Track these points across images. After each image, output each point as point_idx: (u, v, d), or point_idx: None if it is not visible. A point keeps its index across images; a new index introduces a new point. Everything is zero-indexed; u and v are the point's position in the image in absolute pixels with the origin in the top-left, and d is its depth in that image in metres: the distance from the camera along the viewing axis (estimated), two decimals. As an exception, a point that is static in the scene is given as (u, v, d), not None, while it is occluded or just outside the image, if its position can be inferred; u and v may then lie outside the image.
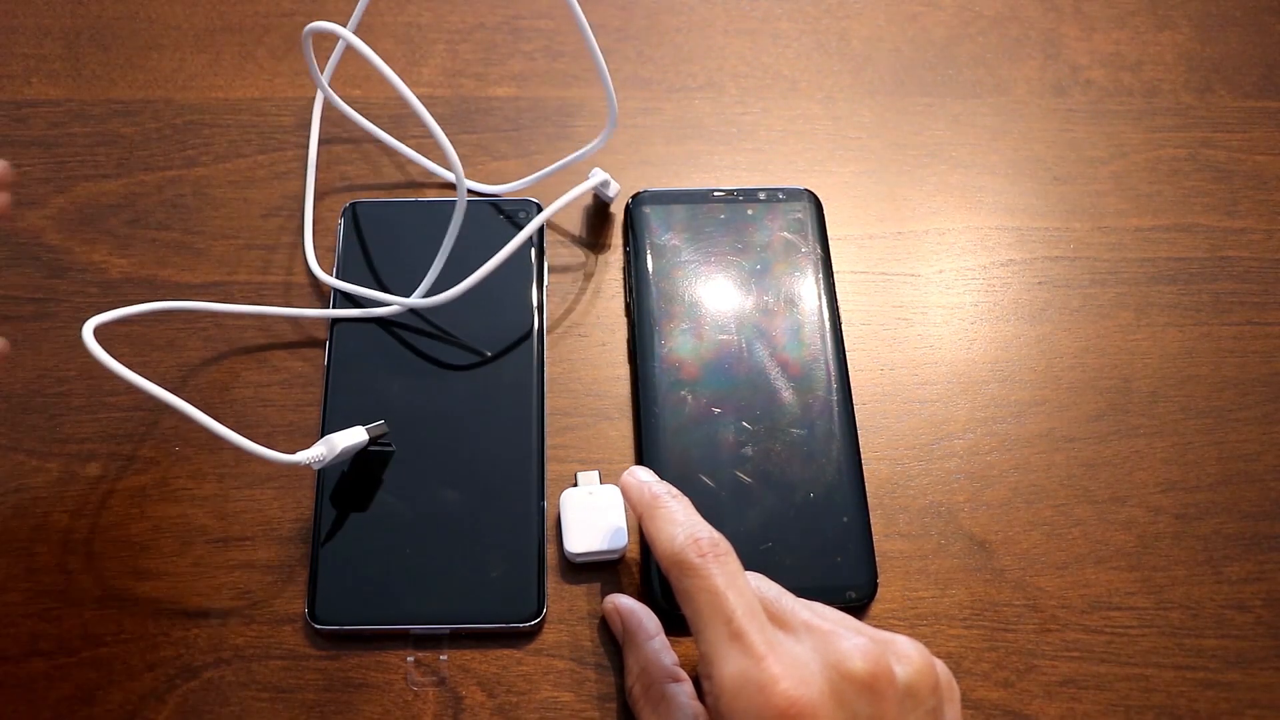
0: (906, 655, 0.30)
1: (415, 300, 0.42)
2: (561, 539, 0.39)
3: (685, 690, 0.34)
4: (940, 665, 0.31)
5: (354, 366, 0.42)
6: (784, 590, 0.32)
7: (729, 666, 0.28)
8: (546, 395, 0.42)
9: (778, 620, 0.31)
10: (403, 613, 0.37)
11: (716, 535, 0.32)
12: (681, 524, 0.32)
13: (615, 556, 0.39)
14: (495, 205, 0.46)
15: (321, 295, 0.45)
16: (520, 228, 0.42)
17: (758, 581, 0.32)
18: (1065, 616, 0.39)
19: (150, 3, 0.53)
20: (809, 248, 0.45)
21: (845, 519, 0.39)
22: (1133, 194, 0.49)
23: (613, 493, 0.39)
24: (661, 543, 0.32)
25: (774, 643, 0.29)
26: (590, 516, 0.38)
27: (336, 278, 0.44)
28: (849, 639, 0.29)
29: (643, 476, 0.35)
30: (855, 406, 0.42)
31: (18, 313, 0.44)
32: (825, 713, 0.28)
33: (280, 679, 0.37)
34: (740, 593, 0.30)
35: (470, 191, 0.46)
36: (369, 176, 0.48)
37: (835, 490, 0.40)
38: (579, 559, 0.38)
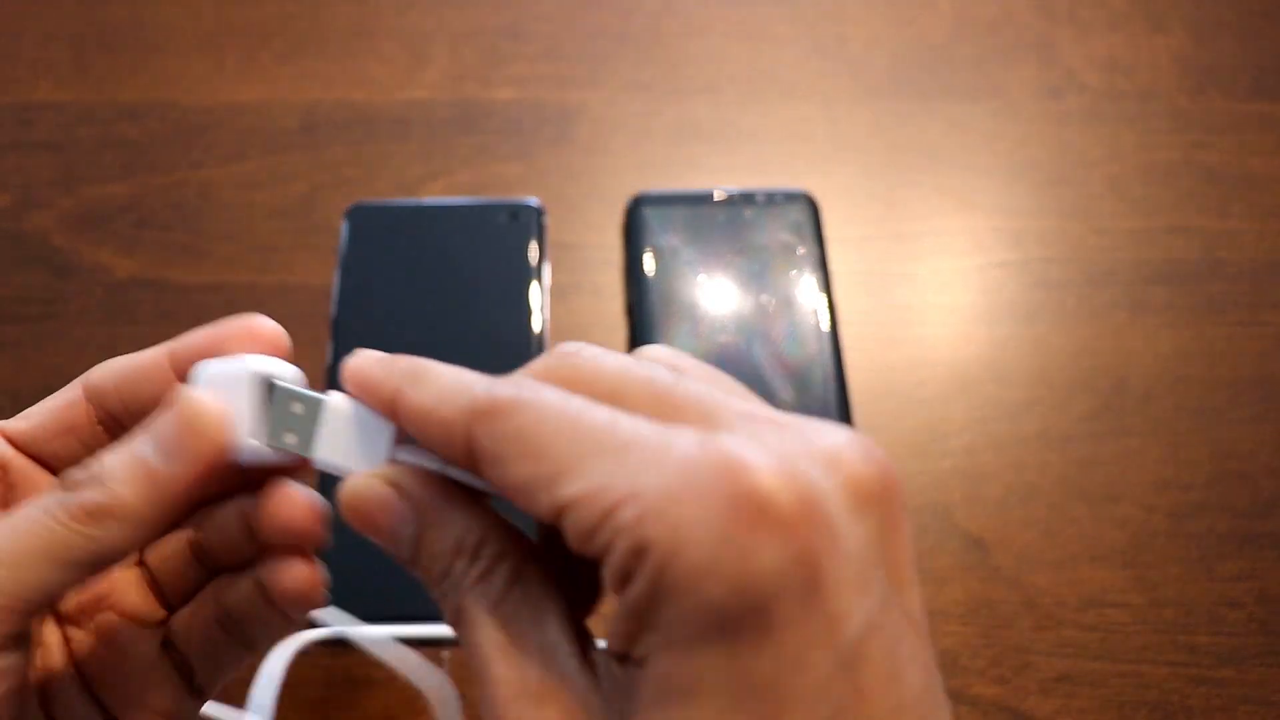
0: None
1: None
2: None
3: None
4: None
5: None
6: (680, 374, 0.19)
7: (647, 477, 0.16)
8: (547, 395, 0.43)
9: (693, 416, 0.18)
10: (404, 611, 0.38)
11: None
12: (472, 373, 0.20)
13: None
14: (496, 206, 0.47)
15: (322, 295, 0.45)
16: (521, 227, 0.43)
17: (628, 358, 0.19)
18: (1060, 614, 0.39)
19: (155, 7, 0.53)
20: (807, 249, 0.46)
21: (842, 517, 0.40)
22: (1127, 196, 0.50)
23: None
24: (450, 396, 0.19)
25: (712, 428, 0.17)
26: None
27: (339, 279, 0.44)
28: (832, 430, 0.18)
29: (382, 354, 0.21)
30: (852, 406, 0.43)
31: (25, 313, 0.44)
32: (842, 524, 0.16)
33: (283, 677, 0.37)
34: (596, 402, 0.18)
35: None
36: (368, 177, 0.48)
37: (833, 489, 0.40)
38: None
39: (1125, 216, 0.49)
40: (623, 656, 0.17)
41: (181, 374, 0.22)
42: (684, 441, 0.17)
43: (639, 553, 0.16)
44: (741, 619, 0.16)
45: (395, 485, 0.20)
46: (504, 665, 0.18)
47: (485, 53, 0.53)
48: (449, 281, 0.44)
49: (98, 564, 0.20)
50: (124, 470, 0.20)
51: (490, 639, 0.18)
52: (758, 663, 0.16)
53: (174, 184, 0.48)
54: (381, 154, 0.49)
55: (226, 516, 0.24)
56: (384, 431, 0.21)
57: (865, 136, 0.51)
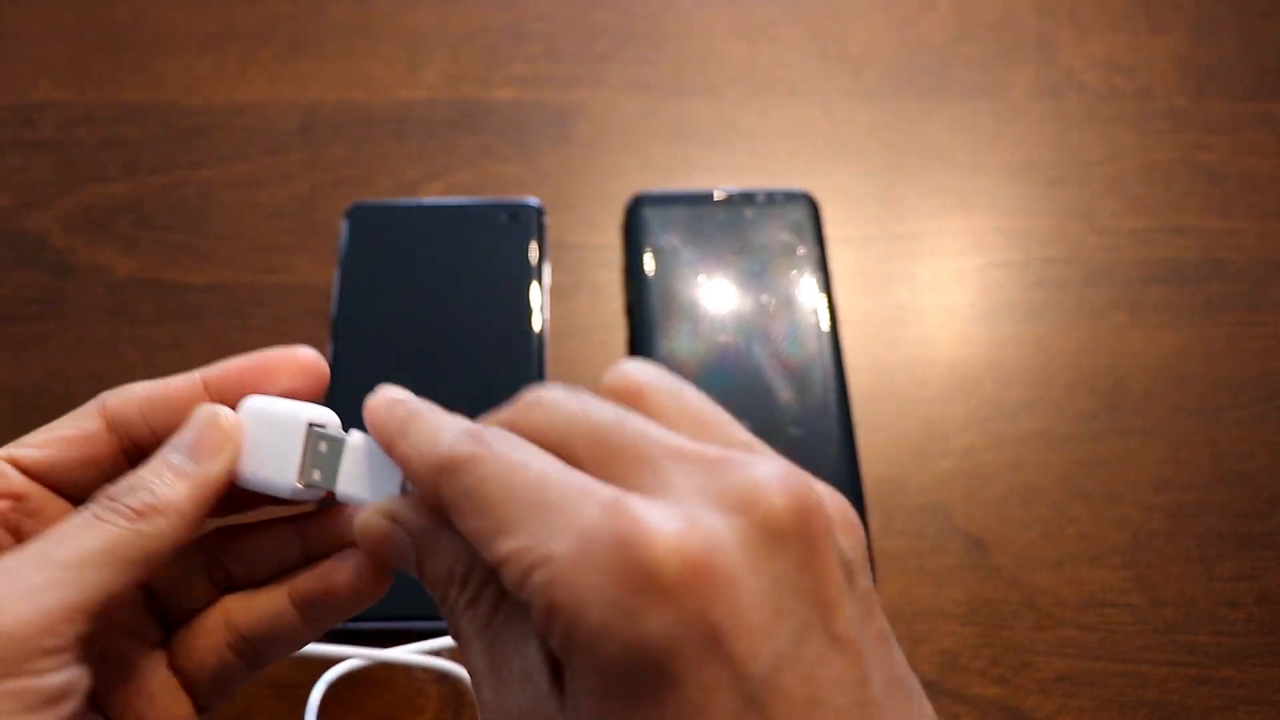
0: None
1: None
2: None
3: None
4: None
5: (356, 377, 0.43)
6: (626, 412, 0.20)
7: (558, 543, 0.18)
8: (547, 395, 0.43)
9: (627, 459, 0.19)
10: (405, 609, 0.38)
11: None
12: (449, 423, 0.21)
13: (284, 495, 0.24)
14: (496, 206, 0.47)
15: (322, 295, 0.45)
16: (521, 227, 0.43)
17: (580, 404, 0.21)
18: (1060, 614, 0.39)
19: (156, 7, 0.53)
20: (807, 249, 0.46)
21: (843, 517, 0.40)
22: (1126, 196, 0.50)
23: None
24: (424, 449, 0.21)
25: (629, 487, 0.19)
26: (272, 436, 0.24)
27: (339, 279, 0.45)
28: (754, 464, 0.19)
29: (394, 394, 0.23)
30: (853, 406, 0.43)
31: (25, 313, 0.44)
32: (741, 574, 0.17)
33: (284, 675, 0.37)
34: (547, 456, 0.20)
35: None
36: (368, 177, 0.48)
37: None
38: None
39: (1125, 216, 0.49)
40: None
41: (219, 401, 0.24)
42: (592, 509, 0.18)
43: (550, 612, 0.18)
44: (641, 675, 0.17)
45: (393, 517, 0.22)
46: (489, 690, 0.20)
47: (485, 53, 0.53)
48: (449, 281, 0.44)
49: (149, 561, 0.22)
50: (161, 475, 0.22)
51: (479, 664, 0.20)
52: (663, 712, 0.17)
53: (174, 184, 0.48)
54: (381, 154, 0.49)
55: (265, 534, 0.25)
56: (396, 468, 0.23)
57: (865, 136, 0.51)
